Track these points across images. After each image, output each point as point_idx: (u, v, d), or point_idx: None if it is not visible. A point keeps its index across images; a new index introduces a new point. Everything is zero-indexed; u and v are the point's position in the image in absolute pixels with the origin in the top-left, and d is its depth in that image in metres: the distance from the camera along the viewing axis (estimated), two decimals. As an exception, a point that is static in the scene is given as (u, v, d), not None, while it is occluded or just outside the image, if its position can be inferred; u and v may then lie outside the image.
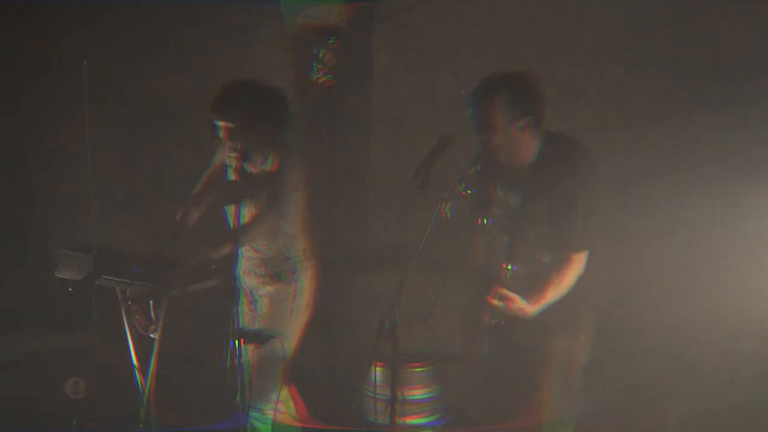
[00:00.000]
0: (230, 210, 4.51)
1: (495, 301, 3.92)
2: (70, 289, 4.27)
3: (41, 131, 6.12)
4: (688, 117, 5.11)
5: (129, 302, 4.45)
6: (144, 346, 4.47)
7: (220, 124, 4.35)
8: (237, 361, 4.23)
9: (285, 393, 4.55)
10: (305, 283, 4.55)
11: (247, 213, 4.36)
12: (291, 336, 4.51)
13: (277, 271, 4.49)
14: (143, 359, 4.48)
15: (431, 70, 5.92)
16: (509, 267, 4.01)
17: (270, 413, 4.48)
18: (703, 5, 5.10)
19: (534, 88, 4.00)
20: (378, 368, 4.76)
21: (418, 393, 4.81)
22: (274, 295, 4.50)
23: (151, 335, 4.43)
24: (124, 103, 6.18)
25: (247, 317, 4.57)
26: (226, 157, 4.52)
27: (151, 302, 4.39)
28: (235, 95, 4.35)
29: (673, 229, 5.02)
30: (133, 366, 4.53)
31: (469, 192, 3.89)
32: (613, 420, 4.79)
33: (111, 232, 5.45)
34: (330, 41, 5.83)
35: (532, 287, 3.97)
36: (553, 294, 3.97)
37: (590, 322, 4.17)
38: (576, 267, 4.00)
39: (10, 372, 5.29)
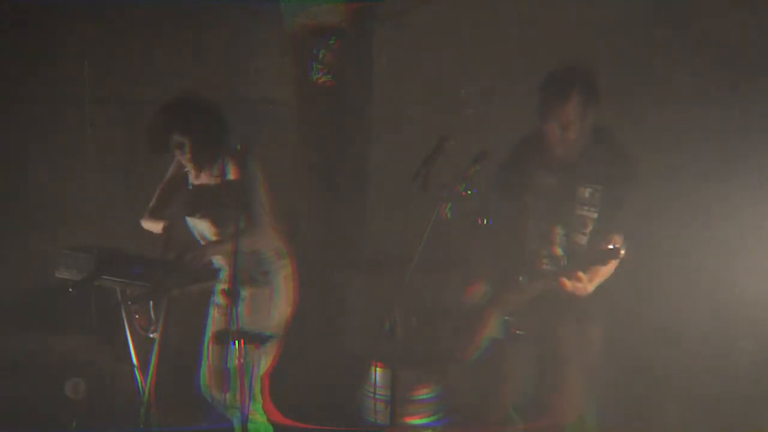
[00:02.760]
0: (192, 221, 4.53)
1: (567, 283, 3.93)
2: (70, 290, 4.27)
3: (41, 131, 6.12)
4: (691, 114, 5.12)
5: (129, 302, 4.45)
6: (144, 346, 4.47)
7: (181, 140, 4.37)
8: (238, 361, 4.24)
9: (258, 393, 4.55)
10: (280, 284, 4.52)
11: (224, 223, 4.38)
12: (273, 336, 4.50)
13: (250, 275, 4.46)
14: (143, 359, 4.48)
15: (431, 70, 5.92)
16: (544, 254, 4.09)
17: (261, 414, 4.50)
18: (706, 4, 5.12)
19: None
20: (378, 368, 4.78)
21: (418, 393, 4.81)
22: (249, 298, 4.47)
23: (151, 335, 4.43)
24: (124, 103, 6.18)
25: (220, 321, 4.56)
26: (185, 169, 4.53)
27: (151, 302, 4.39)
28: (188, 111, 4.37)
29: (674, 228, 5.02)
30: (133, 366, 4.53)
31: (469, 192, 3.89)
32: (613, 418, 4.79)
33: (111, 232, 5.45)
34: (330, 41, 5.83)
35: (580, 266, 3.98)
36: (603, 273, 3.99)
37: (602, 311, 4.19)
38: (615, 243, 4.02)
39: (10, 372, 5.28)
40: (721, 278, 4.87)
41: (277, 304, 4.52)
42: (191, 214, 4.53)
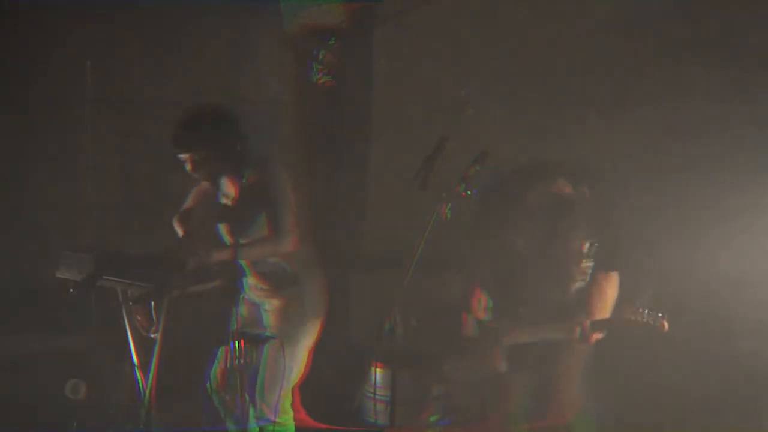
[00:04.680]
0: (223, 227, 4.49)
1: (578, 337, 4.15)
2: (70, 290, 4.26)
3: (41, 131, 6.13)
4: (691, 114, 5.12)
5: (130, 303, 4.45)
6: (145, 347, 4.47)
7: (184, 156, 4.32)
8: (238, 362, 4.23)
9: (288, 397, 4.52)
10: (310, 293, 4.45)
11: (246, 232, 4.34)
12: (304, 346, 4.46)
13: (279, 285, 4.41)
14: (144, 359, 4.48)
15: (431, 70, 5.93)
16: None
17: (272, 417, 4.48)
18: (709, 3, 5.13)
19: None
20: (378, 369, 4.78)
21: (419, 393, 4.81)
22: (280, 309, 4.42)
23: (152, 336, 4.43)
24: (124, 103, 6.18)
25: (245, 322, 4.53)
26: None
27: (152, 303, 4.38)
28: (189, 126, 4.29)
29: (673, 228, 5.03)
30: (133, 366, 4.53)
31: (469, 193, 3.89)
32: (613, 418, 4.80)
33: (111, 233, 5.46)
34: (330, 42, 5.83)
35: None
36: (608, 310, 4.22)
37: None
38: (615, 282, 4.26)
39: (10, 372, 5.29)
40: (721, 278, 4.87)
41: (310, 313, 4.44)
42: (219, 222, 4.49)
